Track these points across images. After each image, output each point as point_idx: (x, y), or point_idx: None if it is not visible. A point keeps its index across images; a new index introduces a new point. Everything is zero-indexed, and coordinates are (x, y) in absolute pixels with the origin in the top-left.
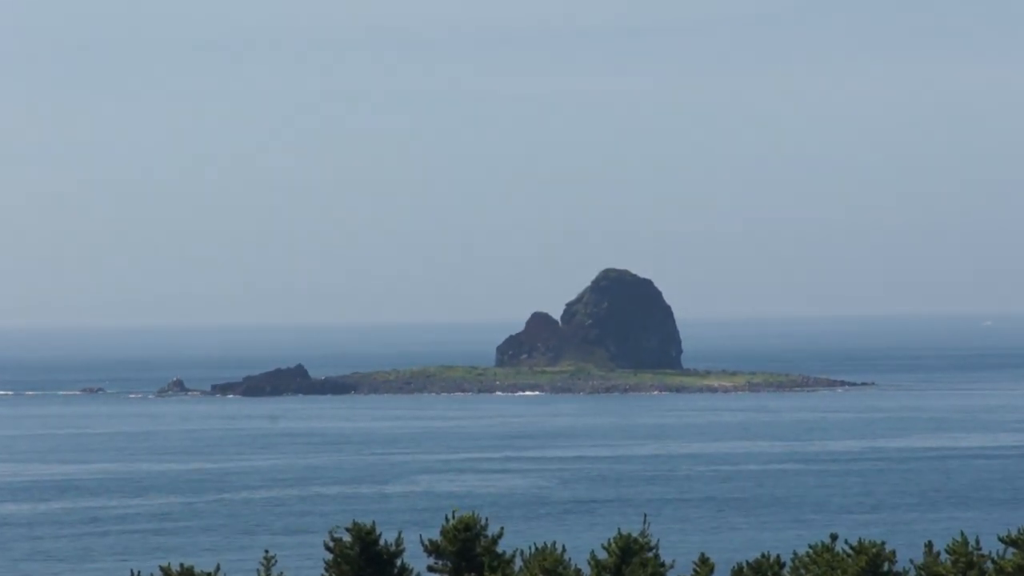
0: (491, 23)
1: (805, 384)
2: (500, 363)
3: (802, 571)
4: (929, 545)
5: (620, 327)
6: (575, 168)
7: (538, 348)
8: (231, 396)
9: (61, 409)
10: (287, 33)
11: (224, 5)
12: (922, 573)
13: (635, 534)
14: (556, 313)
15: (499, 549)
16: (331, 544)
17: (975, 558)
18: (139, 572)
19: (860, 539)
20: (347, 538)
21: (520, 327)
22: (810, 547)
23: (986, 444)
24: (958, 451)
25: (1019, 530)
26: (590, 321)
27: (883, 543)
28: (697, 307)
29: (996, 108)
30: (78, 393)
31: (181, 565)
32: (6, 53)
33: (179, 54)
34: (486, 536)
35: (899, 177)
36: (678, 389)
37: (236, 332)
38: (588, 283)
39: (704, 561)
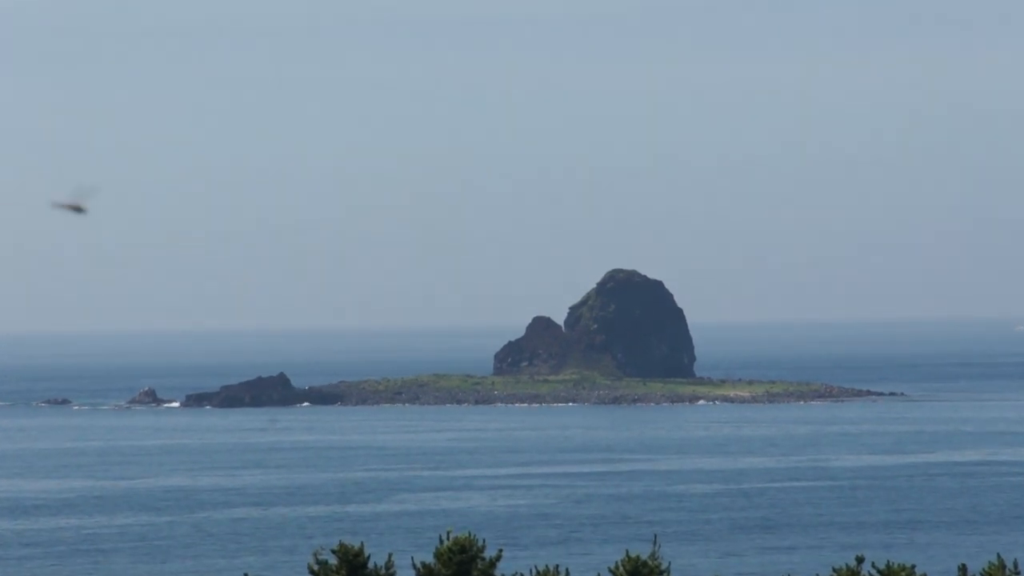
0: (489, 17)
1: (828, 394)
2: (498, 371)
3: None
4: (963, 569)
5: (628, 332)
6: (578, 161)
7: (539, 355)
8: (207, 407)
9: (26, 422)
10: (279, 22)
11: None
12: None
13: (645, 556)
14: (559, 317)
15: (497, 572)
16: (316, 567)
17: None
18: None
19: (889, 562)
20: (333, 560)
21: (520, 332)
22: (834, 570)
23: (1022, 459)
24: (993, 466)
25: None
26: (596, 326)
27: (913, 566)
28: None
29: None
30: (34, 405)
31: None
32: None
33: (165, 48)
34: (483, 559)
35: (918, 175)
36: (691, 399)
37: (213, 338)
38: (593, 285)
39: None
